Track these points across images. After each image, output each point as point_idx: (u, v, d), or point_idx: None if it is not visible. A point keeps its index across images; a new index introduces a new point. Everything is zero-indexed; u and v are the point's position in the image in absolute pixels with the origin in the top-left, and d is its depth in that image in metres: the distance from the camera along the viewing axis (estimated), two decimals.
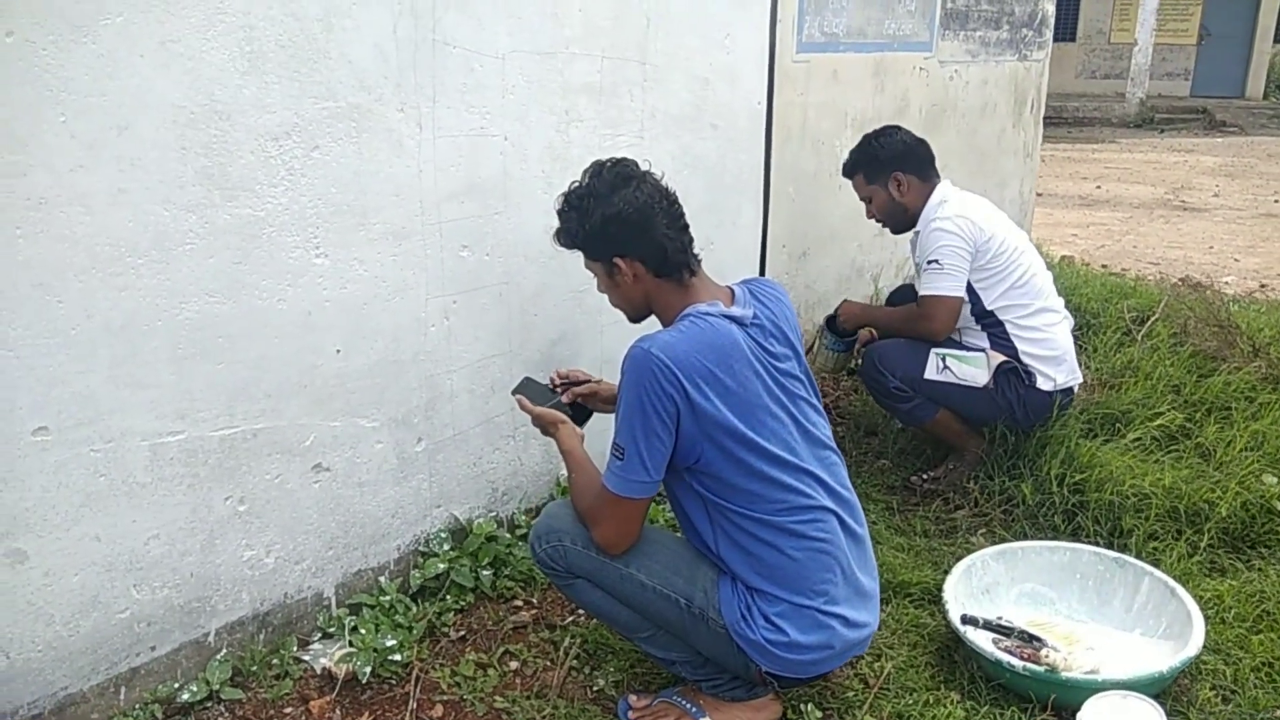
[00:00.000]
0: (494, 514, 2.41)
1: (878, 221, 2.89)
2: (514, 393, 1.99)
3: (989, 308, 2.68)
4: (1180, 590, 2.06)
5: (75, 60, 1.51)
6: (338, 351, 1.98)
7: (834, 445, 1.85)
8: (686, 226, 1.80)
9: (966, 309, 2.72)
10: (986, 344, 2.71)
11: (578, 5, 2.30)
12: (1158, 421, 2.80)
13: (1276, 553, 2.35)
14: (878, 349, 2.79)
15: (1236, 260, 5.75)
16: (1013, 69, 4.51)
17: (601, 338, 2.60)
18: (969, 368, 2.68)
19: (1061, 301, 2.79)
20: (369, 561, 2.15)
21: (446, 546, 2.24)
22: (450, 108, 2.09)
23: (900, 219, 2.82)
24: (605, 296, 1.89)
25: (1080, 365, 2.83)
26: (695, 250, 1.81)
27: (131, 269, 1.64)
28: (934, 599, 2.26)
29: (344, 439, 2.04)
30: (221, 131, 1.71)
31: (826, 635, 1.72)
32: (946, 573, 2.36)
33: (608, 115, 2.47)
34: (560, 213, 1.82)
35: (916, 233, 2.78)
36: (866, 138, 2.82)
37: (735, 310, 1.75)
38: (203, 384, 1.77)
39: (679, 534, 1.86)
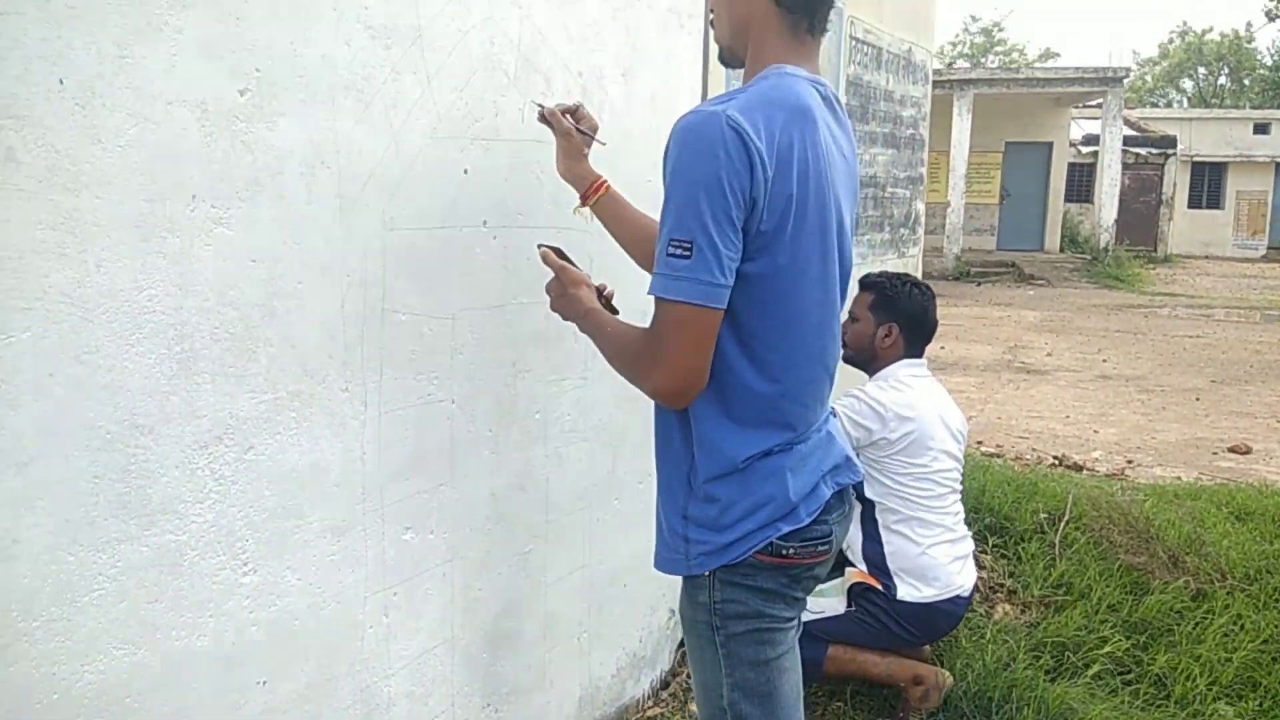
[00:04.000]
0: None
1: (843, 340, 2.81)
2: (540, 245, 1.73)
3: (867, 495, 2.63)
4: None
5: None
6: (262, 684, 1.64)
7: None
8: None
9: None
10: (859, 539, 2.65)
11: (526, 254, 2.13)
12: (1106, 649, 2.76)
13: None
14: None
15: (1096, 432, 6.07)
16: (894, 265, 4.66)
17: (546, 598, 2.34)
18: (824, 599, 2.66)
19: (958, 517, 2.69)
20: None
21: None
22: (398, 378, 1.84)
23: (863, 356, 2.78)
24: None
25: (1008, 577, 2.76)
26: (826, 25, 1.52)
27: (24, 636, 1.28)
28: None
29: None
30: (142, 449, 1.40)
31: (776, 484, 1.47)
32: None
33: (554, 360, 2.29)
34: None
35: (871, 380, 2.75)
36: (904, 278, 2.79)
37: (828, 89, 1.49)
38: None
39: None
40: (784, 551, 1.47)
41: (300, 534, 1.68)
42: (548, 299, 2.18)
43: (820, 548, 1.52)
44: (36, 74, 1.23)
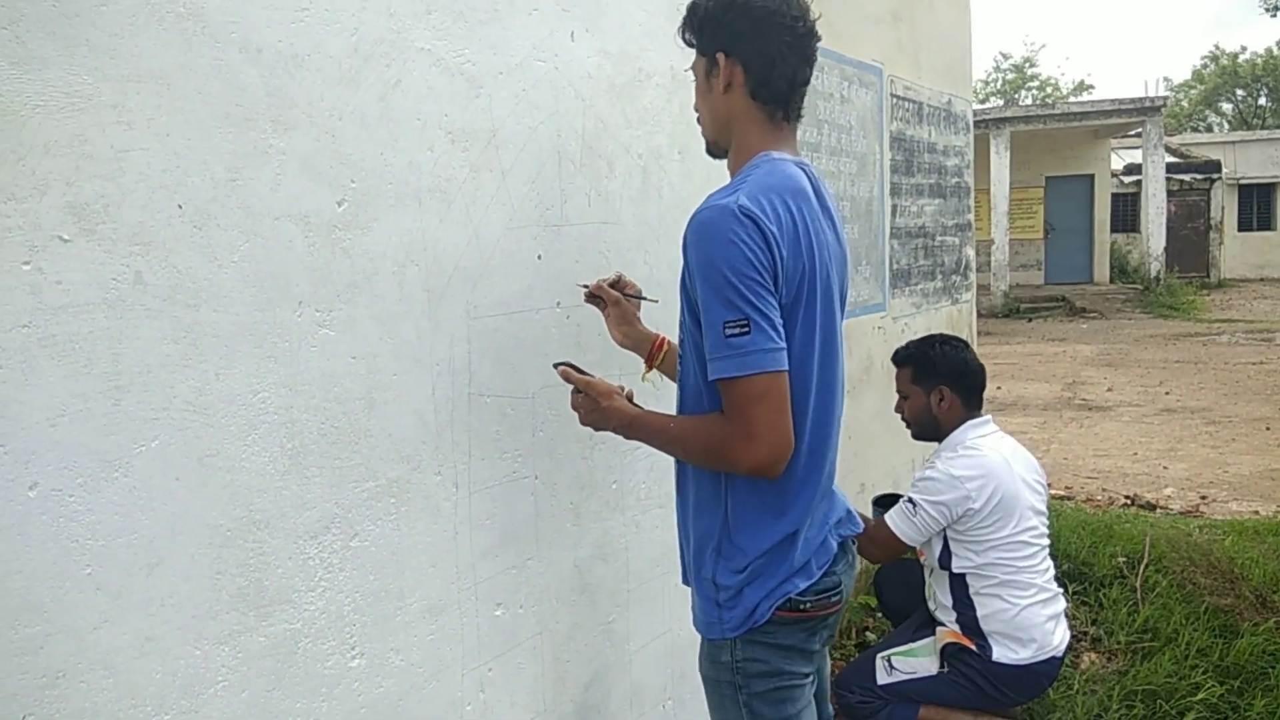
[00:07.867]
0: None
1: (903, 419, 2.80)
2: (557, 365, 1.78)
3: (954, 569, 2.59)
4: None
5: (104, 501, 1.28)
6: None
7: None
8: (806, 80, 1.59)
9: (937, 556, 2.64)
10: (950, 602, 2.61)
11: (597, 330, 2.21)
12: (1200, 696, 2.70)
13: None
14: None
15: (1165, 468, 5.95)
16: (948, 312, 4.68)
17: (631, 667, 2.36)
18: (916, 659, 2.61)
19: (1049, 574, 2.64)
20: None
21: None
22: (485, 458, 1.91)
23: (927, 429, 2.76)
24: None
25: (1090, 624, 2.71)
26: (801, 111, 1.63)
27: None
28: None
29: None
30: (259, 543, 1.48)
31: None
32: None
33: None
34: None
35: (938, 452, 2.70)
36: (931, 340, 2.78)
37: (811, 169, 1.59)
38: None
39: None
40: (801, 606, 1.56)
41: (401, 615, 1.74)
42: (619, 368, 2.28)
43: (833, 599, 1.61)
44: (159, 202, 1.34)
